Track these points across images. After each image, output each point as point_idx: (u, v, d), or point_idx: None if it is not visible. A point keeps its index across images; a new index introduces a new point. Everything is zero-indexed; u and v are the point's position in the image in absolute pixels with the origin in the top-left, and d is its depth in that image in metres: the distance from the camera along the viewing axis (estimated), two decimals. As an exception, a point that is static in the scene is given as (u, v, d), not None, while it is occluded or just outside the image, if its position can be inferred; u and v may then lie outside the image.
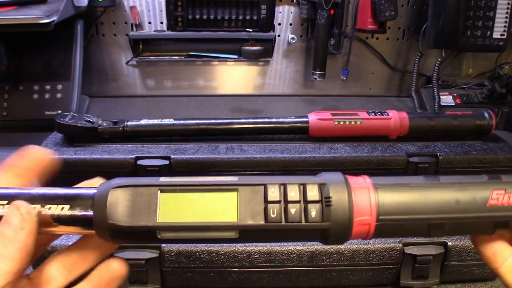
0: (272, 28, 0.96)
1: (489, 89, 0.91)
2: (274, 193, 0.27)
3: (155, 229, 0.26)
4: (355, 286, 0.52)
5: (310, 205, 0.26)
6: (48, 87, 0.84)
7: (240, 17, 0.93)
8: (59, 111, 0.81)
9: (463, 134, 0.71)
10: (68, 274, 0.28)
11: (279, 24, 0.98)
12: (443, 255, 0.48)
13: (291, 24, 0.99)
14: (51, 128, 0.69)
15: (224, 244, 0.50)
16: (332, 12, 0.89)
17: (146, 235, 0.27)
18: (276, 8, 0.95)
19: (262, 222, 0.26)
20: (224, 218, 0.26)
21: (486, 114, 0.71)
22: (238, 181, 0.27)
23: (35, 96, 0.84)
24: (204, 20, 0.92)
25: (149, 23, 0.95)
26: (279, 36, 0.99)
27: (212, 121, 0.70)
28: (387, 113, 0.70)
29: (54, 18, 0.72)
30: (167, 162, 0.62)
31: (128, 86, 1.01)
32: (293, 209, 0.26)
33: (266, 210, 0.26)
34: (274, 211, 0.26)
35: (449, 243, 0.48)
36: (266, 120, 0.71)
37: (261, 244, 0.51)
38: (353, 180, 0.28)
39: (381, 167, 0.64)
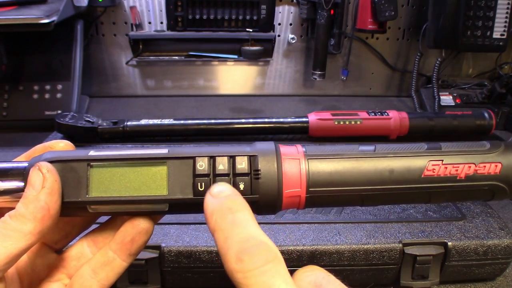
0: (272, 28, 0.96)
1: (489, 89, 0.91)
2: (202, 166, 0.26)
3: (85, 204, 0.26)
4: (355, 286, 0.52)
5: (238, 178, 0.26)
6: (48, 87, 0.84)
7: (240, 17, 0.93)
8: (59, 111, 0.81)
9: (463, 134, 0.71)
10: (97, 251, 0.29)
11: (279, 24, 0.98)
12: (443, 255, 0.48)
13: (291, 24, 0.99)
14: (51, 128, 0.69)
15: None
16: (332, 12, 0.89)
17: (77, 209, 0.27)
18: (276, 8, 0.95)
19: (191, 195, 0.26)
20: (154, 192, 0.26)
21: (486, 114, 0.71)
22: (167, 154, 0.27)
23: (35, 96, 0.84)
24: (204, 20, 0.92)
25: (149, 23, 0.95)
26: (279, 36, 0.99)
27: (212, 121, 0.70)
28: (387, 113, 0.70)
29: (54, 18, 0.72)
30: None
31: (128, 86, 1.01)
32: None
33: (194, 184, 0.26)
34: (202, 184, 0.26)
35: (449, 243, 0.48)
36: (266, 120, 0.71)
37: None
38: (285, 150, 0.28)
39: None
